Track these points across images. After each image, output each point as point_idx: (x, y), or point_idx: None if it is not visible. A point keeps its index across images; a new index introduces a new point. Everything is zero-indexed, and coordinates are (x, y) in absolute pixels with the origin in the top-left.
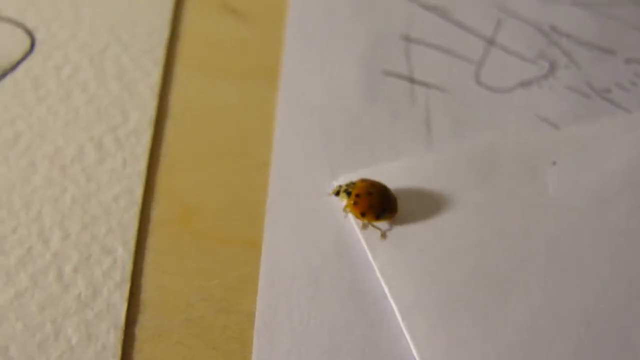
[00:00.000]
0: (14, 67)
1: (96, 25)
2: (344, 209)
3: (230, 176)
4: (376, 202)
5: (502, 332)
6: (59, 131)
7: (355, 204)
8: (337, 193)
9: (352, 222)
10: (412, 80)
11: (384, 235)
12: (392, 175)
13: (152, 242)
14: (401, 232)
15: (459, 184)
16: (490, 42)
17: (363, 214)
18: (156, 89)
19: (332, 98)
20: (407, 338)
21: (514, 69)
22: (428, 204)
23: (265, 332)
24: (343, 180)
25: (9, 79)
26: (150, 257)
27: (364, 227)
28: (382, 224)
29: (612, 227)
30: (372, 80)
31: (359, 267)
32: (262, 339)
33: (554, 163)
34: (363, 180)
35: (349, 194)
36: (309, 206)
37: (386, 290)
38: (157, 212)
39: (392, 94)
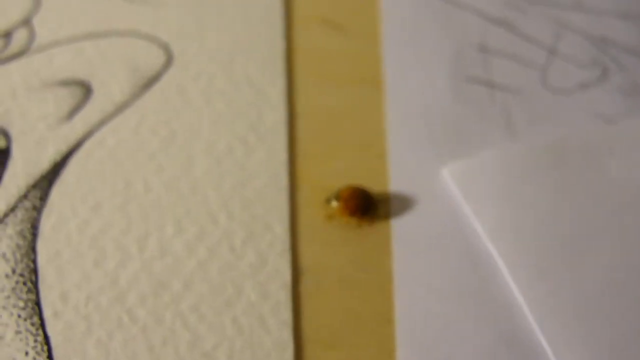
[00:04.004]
0: (159, 76)
1: (220, 40)
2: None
3: (355, 165)
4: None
5: (583, 282)
6: (208, 130)
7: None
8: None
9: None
10: (490, 85)
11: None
12: (485, 163)
13: (301, 219)
14: (500, 204)
15: (538, 168)
16: (552, 51)
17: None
18: (284, 93)
19: (428, 100)
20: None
21: (573, 74)
22: (515, 185)
23: (402, 286)
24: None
25: (156, 87)
26: (301, 231)
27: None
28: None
29: None
30: (458, 86)
31: (470, 230)
32: (400, 291)
33: (613, 150)
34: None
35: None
36: (423, 187)
37: (491, 248)
38: (301, 195)
39: (476, 97)
